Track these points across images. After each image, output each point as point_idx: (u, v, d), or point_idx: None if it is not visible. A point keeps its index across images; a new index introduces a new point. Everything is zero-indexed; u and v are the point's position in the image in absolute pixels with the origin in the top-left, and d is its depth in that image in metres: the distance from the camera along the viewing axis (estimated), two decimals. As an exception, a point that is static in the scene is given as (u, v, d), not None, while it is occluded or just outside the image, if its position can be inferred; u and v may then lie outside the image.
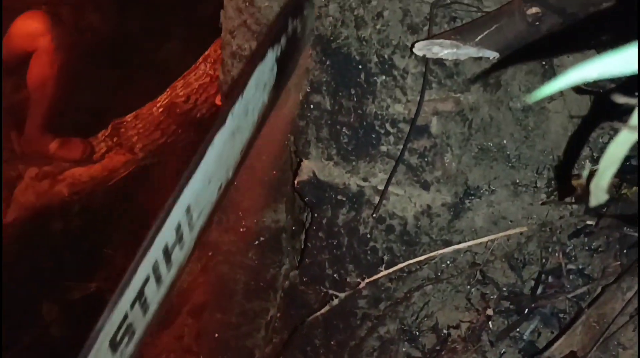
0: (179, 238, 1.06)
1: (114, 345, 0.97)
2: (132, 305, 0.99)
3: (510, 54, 1.25)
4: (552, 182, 1.39)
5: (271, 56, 1.27)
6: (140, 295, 1.00)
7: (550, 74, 1.37)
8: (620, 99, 0.49)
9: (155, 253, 0.99)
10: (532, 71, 1.38)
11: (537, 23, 1.17)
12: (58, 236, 3.50)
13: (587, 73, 0.40)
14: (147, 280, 0.99)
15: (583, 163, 1.38)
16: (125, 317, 0.98)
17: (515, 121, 1.39)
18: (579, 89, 1.31)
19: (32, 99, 3.42)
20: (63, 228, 3.53)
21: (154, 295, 1.05)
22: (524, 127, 1.39)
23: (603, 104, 1.29)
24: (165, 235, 1.00)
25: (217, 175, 1.16)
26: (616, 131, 0.43)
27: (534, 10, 1.16)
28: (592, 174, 0.53)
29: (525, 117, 1.39)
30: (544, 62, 1.37)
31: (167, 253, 1.03)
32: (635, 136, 0.46)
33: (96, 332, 0.92)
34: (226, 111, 1.13)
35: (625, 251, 1.27)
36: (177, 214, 1.02)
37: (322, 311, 1.55)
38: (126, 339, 1.01)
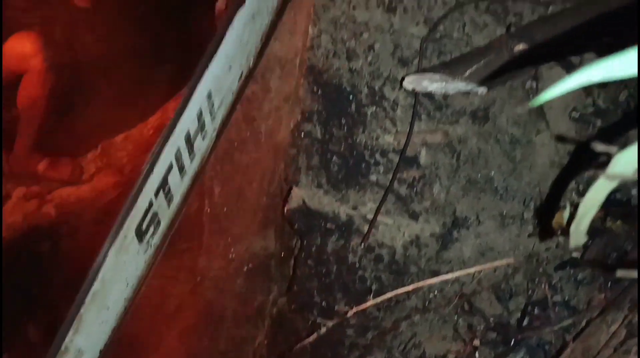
0: (201, 126, 1.01)
1: (140, 233, 0.94)
2: (157, 193, 0.95)
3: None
4: (539, 214, 1.41)
5: None
6: (164, 184, 0.96)
7: (537, 107, 1.40)
8: (599, 147, 0.51)
9: (177, 140, 0.94)
10: (519, 104, 1.40)
11: (523, 59, 1.20)
12: (45, 257, 3.47)
13: (592, 75, 0.41)
14: (170, 168, 0.95)
15: (570, 195, 1.40)
16: (150, 204, 0.94)
17: (503, 153, 1.42)
18: (559, 138, 1.35)
19: (22, 119, 3.41)
20: (51, 249, 3.50)
21: (178, 185, 1.01)
22: (511, 159, 1.41)
23: (583, 152, 1.32)
24: (187, 122, 0.96)
25: (237, 61, 1.09)
26: (594, 178, 0.44)
27: (520, 46, 1.19)
28: (572, 216, 0.55)
29: (513, 150, 1.41)
30: (530, 96, 1.39)
31: (189, 142, 0.98)
32: (613, 185, 0.47)
33: (123, 216, 0.89)
34: None
35: (609, 284, 1.28)
36: (198, 99, 0.97)
37: (310, 339, 1.54)
38: (152, 229, 0.98)
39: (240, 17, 1.05)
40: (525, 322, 1.36)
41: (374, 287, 1.50)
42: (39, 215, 3.52)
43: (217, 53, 1.00)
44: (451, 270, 1.44)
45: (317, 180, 1.53)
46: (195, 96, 0.96)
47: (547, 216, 1.33)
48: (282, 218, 1.69)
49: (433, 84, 1.23)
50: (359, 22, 1.39)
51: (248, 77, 1.17)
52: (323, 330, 1.56)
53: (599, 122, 1.37)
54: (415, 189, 1.44)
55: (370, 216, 1.47)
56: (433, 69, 1.23)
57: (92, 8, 4.06)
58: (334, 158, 1.50)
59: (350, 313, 1.48)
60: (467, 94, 1.36)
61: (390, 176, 1.44)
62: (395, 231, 1.47)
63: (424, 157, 1.43)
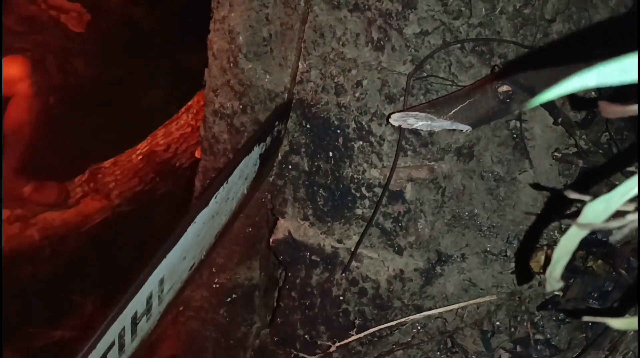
0: (148, 308, 1.05)
1: None
2: None
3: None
4: (519, 246, 1.43)
5: (257, 152, 1.34)
6: None
7: (520, 146, 1.42)
8: (572, 195, 0.52)
9: (125, 318, 0.97)
10: (503, 143, 1.43)
11: (507, 100, 1.23)
12: (26, 281, 3.43)
13: (587, 80, 0.41)
14: (111, 346, 0.97)
15: (552, 233, 1.42)
16: None
17: (487, 190, 1.43)
18: (537, 186, 1.37)
19: (8, 142, 3.40)
20: (32, 273, 3.46)
21: None
22: (495, 197, 1.43)
23: (556, 200, 1.34)
24: (137, 303, 1.00)
25: (192, 252, 1.18)
26: (567, 227, 0.45)
27: (504, 88, 1.22)
28: (548, 258, 0.56)
29: (497, 188, 1.43)
30: (514, 136, 1.42)
31: (134, 322, 1.02)
32: (584, 233, 0.49)
33: None
34: (211, 193, 1.16)
35: (590, 324, 1.29)
36: (152, 282, 1.02)
37: (292, 373, 1.53)
38: None
39: (202, 216, 1.15)
40: (507, 360, 1.37)
41: (357, 321, 1.49)
42: (22, 238, 3.49)
43: (177, 244, 1.07)
44: (435, 306, 1.45)
45: (303, 212, 1.54)
46: (150, 279, 1.02)
47: (524, 258, 1.34)
48: (268, 249, 1.69)
49: (419, 121, 1.26)
50: (348, 59, 1.41)
51: (198, 268, 1.26)
52: (305, 363, 1.55)
53: (580, 163, 1.39)
54: (400, 224, 1.45)
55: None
56: (419, 108, 1.25)
57: (86, 34, 4.11)
58: (321, 190, 1.51)
59: (332, 348, 1.48)
60: (452, 131, 1.38)
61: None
62: (380, 265, 1.48)
63: (409, 192, 1.44)
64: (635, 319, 0.48)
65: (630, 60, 0.40)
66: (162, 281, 1.06)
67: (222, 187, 1.19)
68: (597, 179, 1.28)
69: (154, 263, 1.02)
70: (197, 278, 1.78)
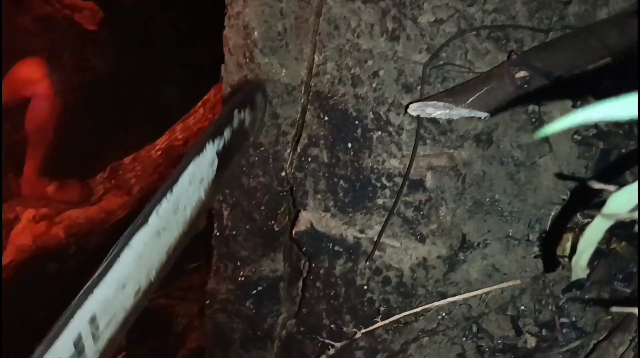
0: (79, 352, 0.93)
1: None
2: None
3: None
4: (544, 235, 1.43)
5: (211, 150, 1.20)
6: None
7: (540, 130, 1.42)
8: (597, 185, 0.53)
9: None
10: (522, 128, 1.42)
11: (525, 86, 1.23)
12: (53, 278, 3.50)
13: (591, 115, 0.43)
14: None
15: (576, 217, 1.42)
16: None
17: (508, 176, 1.44)
18: (559, 175, 1.37)
19: (31, 143, 3.46)
20: (59, 271, 3.52)
21: None
22: (515, 182, 1.43)
23: (580, 189, 1.34)
24: (58, 352, 0.88)
25: (134, 278, 1.03)
26: (588, 215, 0.46)
27: (522, 73, 1.22)
28: (573, 246, 0.57)
29: (517, 173, 1.43)
30: (533, 120, 1.42)
31: None
32: (609, 223, 0.49)
33: None
34: (149, 209, 1.03)
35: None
36: (76, 326, 0.90)
37: (319, 361, 1.56)
38: None
39: (142, 237, 1.01)
40: (533, 344, 1.37)
41: (382, 309, 1.51)
42: (48, 237, 3.56)
43: (105, 277, 0.94)
44: (459, 292, 1.46)
45: (324, 204, 1.55)
46: (71, 324, 0.90)
47: (551, 245, 1.35)
48: (290, 241, 1.71)
49: (437, 110, 1.26)
50: (363, 50, 1.42)
51: (148, 290, 1.10)
52: (332, 351, 1.57)
53: (601, 145, 1.39)
54: (421, 213, 1.46)
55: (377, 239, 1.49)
56: (436, 97, 1.26)
57: (100, 31, 4.14)
58: (341, 182, 1.52)
59: (358, 335, 1.50)
60: (470, 118, 1.38)
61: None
62: (403, 253, 1.49)
63: (429, 180, 1.45)
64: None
65: (633, 98, 0.42)
66: (94, 320, 0.94)
67: (164, 199, 1.05)
68: (621, 164, 1.27)
69: (74, 306, 0.90)
70: (222, 272, 1.81)
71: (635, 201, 0.49)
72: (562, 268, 1.42)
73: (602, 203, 0.49)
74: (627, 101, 0.42)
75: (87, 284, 0.92)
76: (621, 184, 0.49)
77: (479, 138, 1.42)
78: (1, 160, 3.30)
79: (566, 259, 1.41)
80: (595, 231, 0.49)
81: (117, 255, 0.96)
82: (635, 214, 0.49)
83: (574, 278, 0.53)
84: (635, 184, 0.48)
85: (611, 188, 0.50)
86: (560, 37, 1.31)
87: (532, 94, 1.27)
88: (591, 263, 1.35)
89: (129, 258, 0.98)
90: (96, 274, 0.94)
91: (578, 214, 1.35)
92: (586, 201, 1.30)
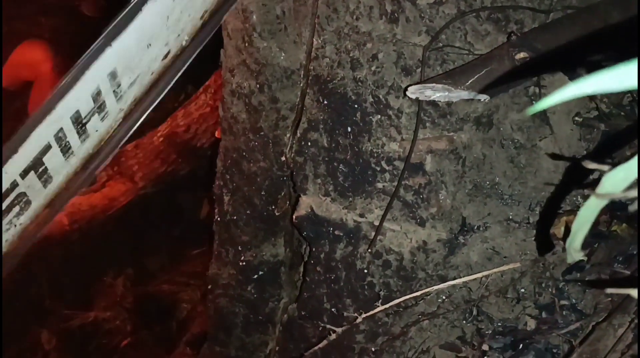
0: (99, 106, 0.91)
1: None
2: (24, 174, 0.90)
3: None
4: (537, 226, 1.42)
5: None
6: (37, 165, 0.90)
7: (540, 112, 1.41)
8: (590, 165, 0.52)
9: (57, 120, 0.86)
10: (523, 110, 1.41)
11: (525, 67, 1.21)
12: (57, 265, 3.52)
13: (585, 88, 0.41)
14: (46, 149, 0.88)
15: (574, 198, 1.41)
16: (14, 185, 0.89)
17: (508, 158, 1.43)
18: (554, 155, 1.36)
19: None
20: (62, 256, 3.54)
21: (60, 165, 0.94)
22: (516, 164, 1.43)
23: (576, 169, 1.33)
24: (74, 102, 0.87)
25: (162, 39, 0.96)
26: (587, 197, 0.45)
27: (522, 55, 1.21)
28: (568, 227, 0.57)
29: (518, 155, 1.43)
30: (534, 102, 1.41)
31: (79, 122, 0.90)
32: (603, 203, 0.49)
33: None
34: None
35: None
36: (93, 78, 0.88)
37: (321, 345, 1.56)
38: (16, 209, 0.93)
39: None
40: (533, 326, 1.38)
41: (382, 293, 1.51)
42: (51, 223, 3.57)
43: (125, 30, 0.88)
44: (459, 275, 1.46)
45: (324, 188, 1.55)
46: (87, 74, 0.87)
47: (545, 227, 1.34)
48: (291, 226, 1.71)
49: (436, 93, 1.25)
50: (362, 33, 1.40)
51: (178, 56, 1.04)
52: (333, 336, 1.58)
53: (602, 126, 1.38)
54: (421, 196, 1.46)
55: (377, 223, 1.49)
56: (436, 80, 1.25)
57: (100, 18, 4.11)
58: (341, 166, 1.52)
59: (359, 320, 1.50)
60: (470, 101, 1.37)
61: (396, 183, 1.46)
62: (403, 237, 1.49)
63: (429, 164, 1.44)
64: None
65: (627, 67, 0.40)
66: (114, 75, 0.90)
67: None
68: (620, 143, 1.26)
69: (89, 58, 0.85)
70: (224, 257, 1.82)
71: (630, 180, 0.48)
72: (562, 251, 1.42)
73: (598, 182, 0.49)
74: (622, 70, 0.41)
75: (103, 34, 0.86)
76: (621, 160, 0.48)
77: (479, 121, 1.41)
78: (1, 152, 3.28)
79: (561, 242, 1.41)
80: (589, 211, 0.48)
81: (139, 7, 0.88)
82: (630, 194, 0.48)
83: (569, 260, 0.52)
84: (630, 162, 0.48)
85: (605, 167, 0.49)
86: (561, 17, 1.29)
87: (532, 71, 1.26)
88: (591, 245, 1.34)
89: (153, 12, 0.90)
90: (113, 24, 0.87)
91: (575, 193, 1.35)
92: (582, 180, 1.29)
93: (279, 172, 1.65)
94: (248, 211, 1.73)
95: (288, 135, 1.59)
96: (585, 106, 1.41)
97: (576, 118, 1.39)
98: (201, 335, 2.92)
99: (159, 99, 1.04)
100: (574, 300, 1.37)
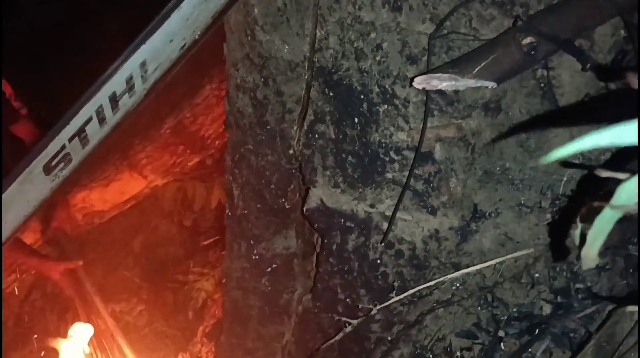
0: (130, 87, 1.21)
1: (48, 168, 1.21)
2: (71, 139, 1.20)
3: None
4: (557, 202, 1.41)
5: None
6: (81, 132, 1.21)
7: (549, 95, 1.39)
8: (604, 173, 0.51)
9: (99, 99, 1.15)
10: (531, 93, 1.39)
11: (532, 52, 1.19)
12: (73, 259, 3.55)
13: (600, 141, 0.45)
14: (89, 120, 1.17)
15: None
16: (63, 147, 1.20)
17: (517, 143, 1.41)
18: (565, 163, 1.35)
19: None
20: (77, 252, 3.58)
21: (96, 132, 1.25)
22: (525, 149, 1.41)
23: (589, 180, 1.32)
24: (113, 85, 1.16)
25: (181, 35, 1.25)
26: (600, 209, 0.45)
27: (528, 40, 1.19)
28: (583, 237, 0.56)
29: (527, 139, 1.41)
30: (542, 85, 1.38)
31: (114, 100, 1.19)
32: (618, 214, 0.48)
33: (30, 158, 1.15)
34: None
35: (630, 270, 1.28)
36: (129, 67, 1.16)
37: (337, 337, 1.57)
38: (62, 165, 1.24)
39: (191, 1, 1.20)
40: (549, 311, 1.37)
41: (396, 283, 1.52)
42: (65, 220, 3.60)
43: (157, 31, 1.16)
44: (472, 263, 1.45)
45: (333, 180, 1.54)
46: (125, 65, 1.15)
47: (561, 235, 1.33)
48: (302, 218, 1.71)
49: (443, 82, 1.23)
50: (365, 22, 1.38)
51: (192, 46, 1.34)
52: (349, 328, 1.59)
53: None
54: (431, 185, 1.45)
55: (388, 213, 1.49)
56: (442, 69, 1.23)
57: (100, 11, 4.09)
58: (349, 157, 1.51)
59: (374, 311, 1.51)
60: (477, 87, 1.35)
61: (405, 172, 1.45)
62: (414, 226, 1.49)
63: (438, 152, 1.43)
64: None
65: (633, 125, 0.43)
66: (144, 64, 1.19)
67: None
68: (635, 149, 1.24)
69: (129, 52, 1.13)
70: (236, 251, 1.83)
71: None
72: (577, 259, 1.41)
73: (612, 193, 0.48)
74: (631, 127, 0.44)
75: (140, 36, 1.15)
76: (632, 171, 0.48)
77: (488, 106, 1.39)
78: (1, 157, 3.25)
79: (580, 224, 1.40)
80: (604, 223, 0.48)
81: (168, 15, 1.16)
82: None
83: (584, 267, 0.52)
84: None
85: (620, 175, 0.48)
86: (567, -1, 1.26)
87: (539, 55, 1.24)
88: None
89: (177, 17, 1.18)
90: (148, 28, 1.15)
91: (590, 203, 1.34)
92: (595, 190, 1.27)
93: (288, 165, 1.64)
94: (258, 205, 1.73)
95: (295, 128, 1.58)
96: (595, 86, 1.38)
97: (586, 99, 1.37)
98: (217, 325, 2.95)
99: (169, 77, 1.37)
100: (589, 283, 1.37)
